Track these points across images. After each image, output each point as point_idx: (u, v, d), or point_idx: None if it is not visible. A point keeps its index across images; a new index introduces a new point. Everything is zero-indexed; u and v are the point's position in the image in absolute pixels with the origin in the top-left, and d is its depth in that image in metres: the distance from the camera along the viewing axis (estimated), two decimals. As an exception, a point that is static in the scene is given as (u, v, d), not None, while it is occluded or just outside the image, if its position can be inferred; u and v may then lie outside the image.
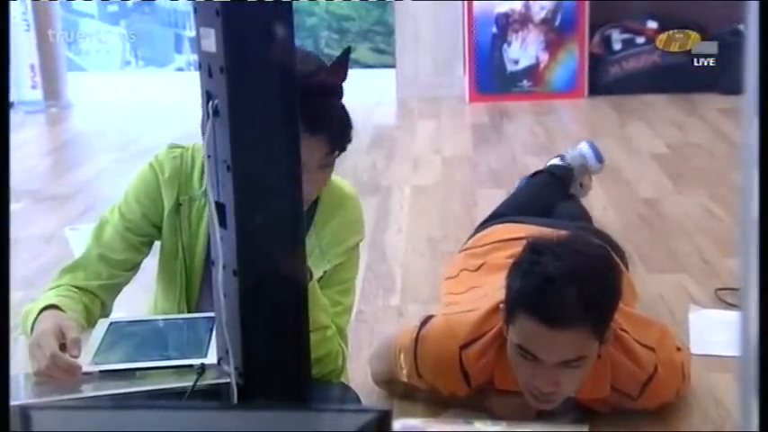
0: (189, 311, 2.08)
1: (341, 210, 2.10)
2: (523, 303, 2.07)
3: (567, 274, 2.04)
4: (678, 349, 2.35)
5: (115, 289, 2.07)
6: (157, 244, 2.11)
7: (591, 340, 2.08)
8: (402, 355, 2.35)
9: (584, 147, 3.57)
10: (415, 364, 2.31)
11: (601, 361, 2.17)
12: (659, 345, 2.29)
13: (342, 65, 1.93)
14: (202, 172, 2.05)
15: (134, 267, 2.09)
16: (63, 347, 1.76)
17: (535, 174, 3.47)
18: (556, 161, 3.52)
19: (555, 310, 2.03)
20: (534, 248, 2.13)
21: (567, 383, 2.13)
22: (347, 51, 1.94)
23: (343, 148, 1.97)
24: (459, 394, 2.32)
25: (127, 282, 2.09)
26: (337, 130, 1.93)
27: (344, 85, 1.95)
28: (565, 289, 2.03)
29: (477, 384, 2.29)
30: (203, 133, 1.95)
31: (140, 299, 2.28)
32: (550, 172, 3.45)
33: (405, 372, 2.35)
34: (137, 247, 2.07)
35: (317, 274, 2.01)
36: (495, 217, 3.03)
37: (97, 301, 2.02)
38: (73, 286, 2.00)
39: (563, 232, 2.25)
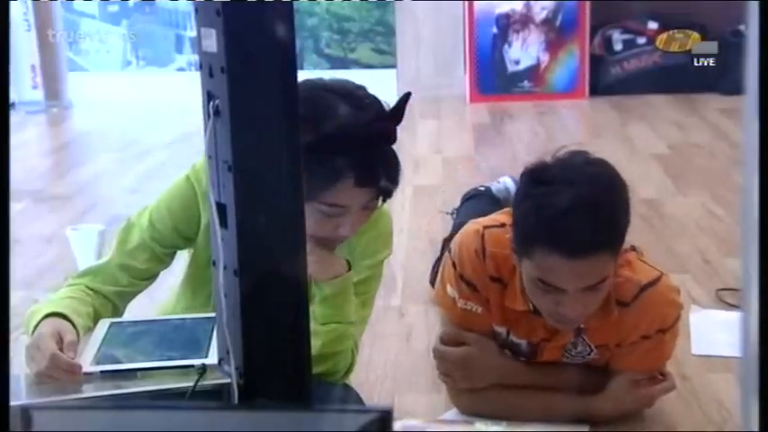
0: None
1: (375, 223, 2.09)
2: (540, 238, 2.00)
3: (582, 202, 1.98)
4: None
5: (131, 295, 2.08)
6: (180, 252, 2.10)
7: (611, 261, 2.04)
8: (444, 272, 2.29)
9: (507, 181, 3.54)
10: (453, 263, 2.25)
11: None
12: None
13: (401, 111, 1.93)
14: None
15: (153, 277, 2.09)
16: (61, 351, 1.76)
17: (468, 198, 3.45)
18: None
19: (575, 242, 1.97)
20: (538, 178, 2.05)
21: (592, 304, 2.09)
22: (406, 97, 1.94)
23: (389, 195, 1.97)
24: (481, 278, 2.22)
25: (144, 289, 2.10)
26: (386, 179, 1.93)
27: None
28: (582, 218, 1.97)
29: (497, 274, 2.21)
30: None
31: (141, 299, 2.28)
32: (483, 195, 3.44)
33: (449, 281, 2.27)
34: (160, 257, 2.07)
35: None
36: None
37: (109, 304, 2.02)
38: (88, 287, 2.01)
39: (560, 155, 2.09)
